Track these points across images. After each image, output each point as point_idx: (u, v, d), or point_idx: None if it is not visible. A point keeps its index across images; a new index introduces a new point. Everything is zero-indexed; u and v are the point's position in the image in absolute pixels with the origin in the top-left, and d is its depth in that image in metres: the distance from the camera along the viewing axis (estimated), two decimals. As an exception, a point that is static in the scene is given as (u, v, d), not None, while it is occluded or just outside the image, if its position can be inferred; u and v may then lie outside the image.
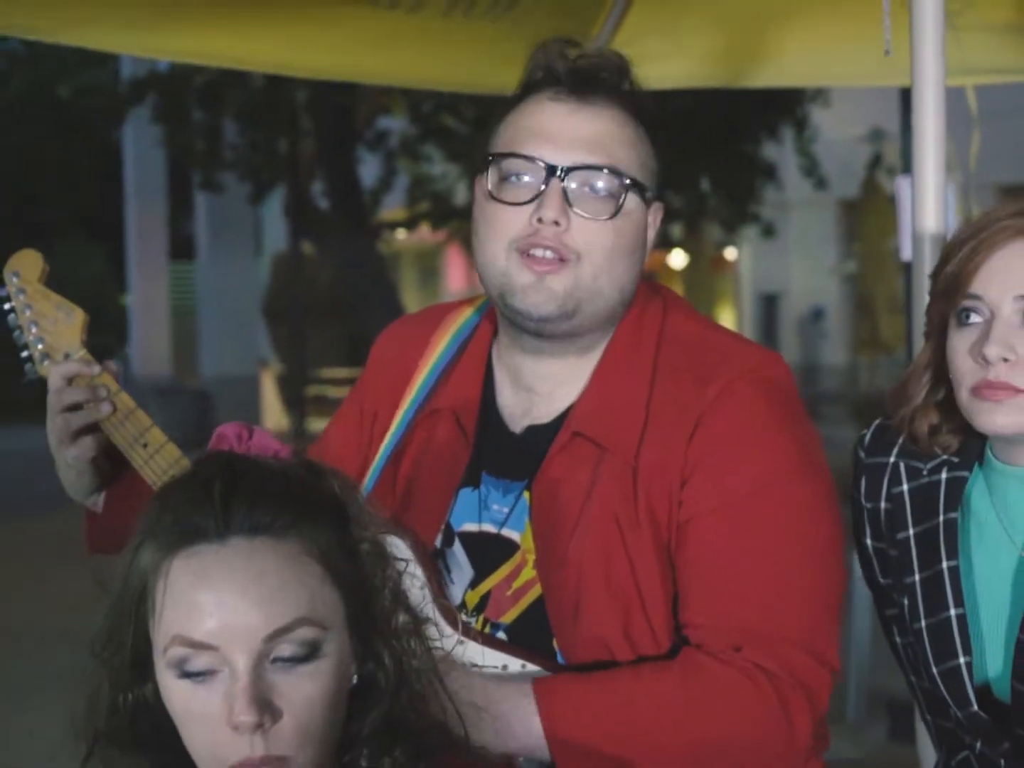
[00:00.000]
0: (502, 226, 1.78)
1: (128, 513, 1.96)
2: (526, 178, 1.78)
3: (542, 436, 1.83)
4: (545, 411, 1.85)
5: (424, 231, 15.08)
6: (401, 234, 16.81)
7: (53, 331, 2.02)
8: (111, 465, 2.00)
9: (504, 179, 1.80)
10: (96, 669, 1.35)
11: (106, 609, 1.35)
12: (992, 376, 1.68)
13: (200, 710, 1.28)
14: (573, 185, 1.77)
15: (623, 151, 1.80)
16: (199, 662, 1.28)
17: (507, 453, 1.86)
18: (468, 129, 12.74)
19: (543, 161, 1.77)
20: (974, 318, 1.71)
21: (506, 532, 1.83)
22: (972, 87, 3.35)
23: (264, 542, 1.30)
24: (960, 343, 1.72)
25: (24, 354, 2.03)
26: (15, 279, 2.04)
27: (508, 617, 1.81)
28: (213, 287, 19.68)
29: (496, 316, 1.90)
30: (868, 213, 13.62)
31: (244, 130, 13.15)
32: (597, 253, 1.76)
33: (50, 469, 1.99)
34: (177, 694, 1.30)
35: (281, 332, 20.66)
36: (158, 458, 1.93)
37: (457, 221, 13.97)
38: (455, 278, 27.52)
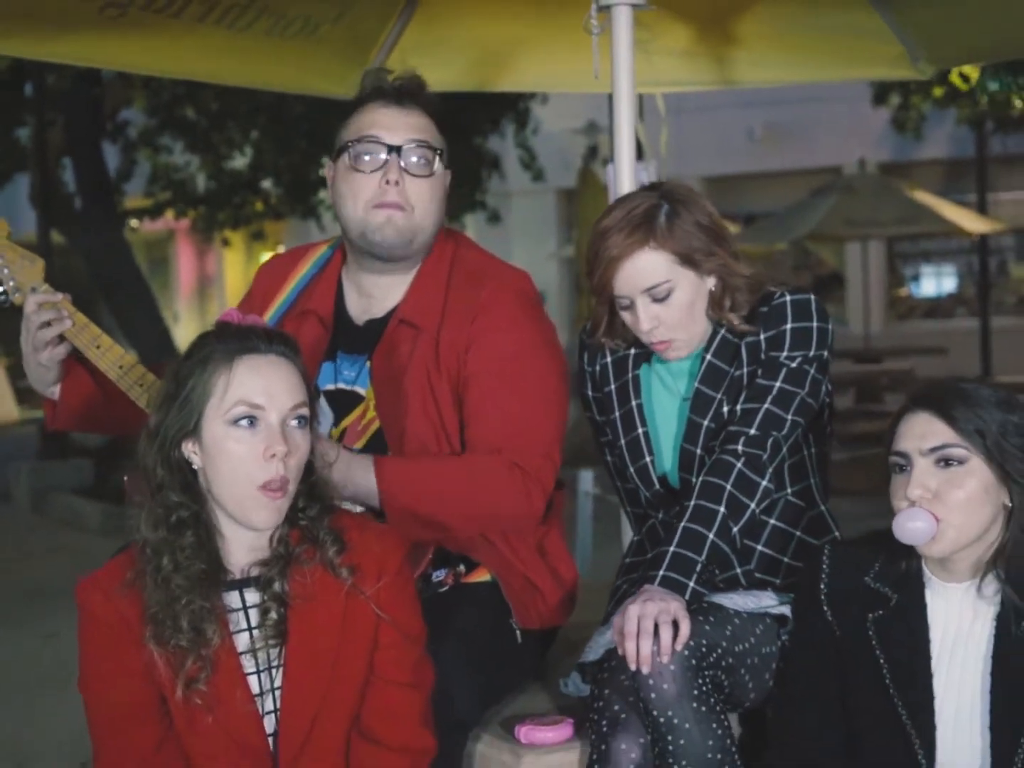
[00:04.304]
0: (360, 187, 2.75)
1: (76, 398, 2.83)
2: (377, 155, 2.74)
3: (378, 325, 2.81)
4: (379, 309, 2.83)
5: (151, 221, 15.40)
6: (133, 223, 17.06)
7: (21, 272, 2.84)
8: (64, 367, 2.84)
9: (357, 156, 2.74)
10: (147, 446, 2.24)
11: (160, 405, 2.26)
12: (654, 339, 2.71)
13: (245, 447, 2.22)
14: (408, 158, 2.73)
15: (430, 134, 2.79)
16: (251, 415, 2.21)
17: (354, 337, 2.83)
18: (207, 121, 13.27)
19: (385, 142, 2.71)
20: (625, 302, 2.71)
21: (355, 388, 2.79)
22: (660, 94, 4.42)
23: (284, 360, 2.27)
24: (630, 320, 2.73)
25: None
26: None
27: (359, 444, 2.77)
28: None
29: (344, 249, 2.84)
30: (585, 201, 14.44)
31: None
32: (422, 201, 2.75)
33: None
34: (233, 437, 2.22)
35: (7, 322, 20.61)
36: (109, 355, 2.78)
37: (200, 208, 14.50)
38: (185, 268, 27.53)
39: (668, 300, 2.67)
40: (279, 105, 12.02)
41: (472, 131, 12.98)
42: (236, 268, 25.68)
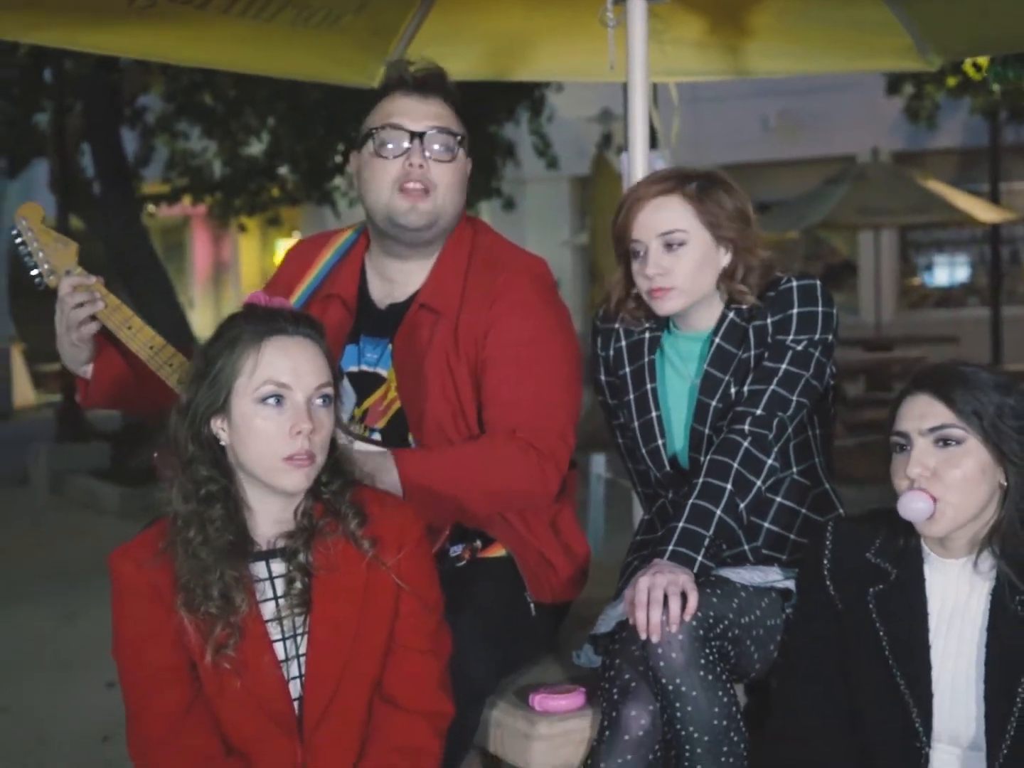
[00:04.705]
0: (385, 173, 2.84)
1: (108, 377, 2.93)
2: (400, 142, 2.83)
3: (399, 309, 2.90)
4: (400, 294, 2.92)
5: (167, 207, 15.45)
6: (151, 209, 17.16)
7: (55, 255, 2.93)
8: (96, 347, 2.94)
9: (382, 144, 2.83)
10: (178, 422, 2.34)
11: (190, 383, 2.35)
12: (655, 285, 2.80)
13: (272, 424, 2.31)
14: (430, 144, 2.82)
15: (450, 122, 2.88)
16: (279, 394, 2.31)
17: (376, 321, 2.92)
18: (225, 108, 13.32)
19: (408, 129, 2.81)
20: (639, 249, 2.81)
21: (377, 370, 2.89)
22: (674, 84, 4.51)
23: (310, 341, 2.36)
24: (637, 268, 2.82)
25: (34, 272, 2.93)
26: (24, 222, 2.93)
27: (381, 423, 2.86)
28: (-39, 262, 19.62)
29: (367, 235, 2.94)
30: (599, 188, 14.48)
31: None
32: (444, 184, 2.85)
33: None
34: (260, 415, 2.32)
35: (24, 307, 20.75)
36: (139, 336, 2.87)
37: (217, 194, 14.56)
38: (201, 254, 27.57)
39: (679, 251, 2.77)
40: (296, 92, 12.07)
41: (487, 119, 13.05)
42: (251, 254, 25.72)
